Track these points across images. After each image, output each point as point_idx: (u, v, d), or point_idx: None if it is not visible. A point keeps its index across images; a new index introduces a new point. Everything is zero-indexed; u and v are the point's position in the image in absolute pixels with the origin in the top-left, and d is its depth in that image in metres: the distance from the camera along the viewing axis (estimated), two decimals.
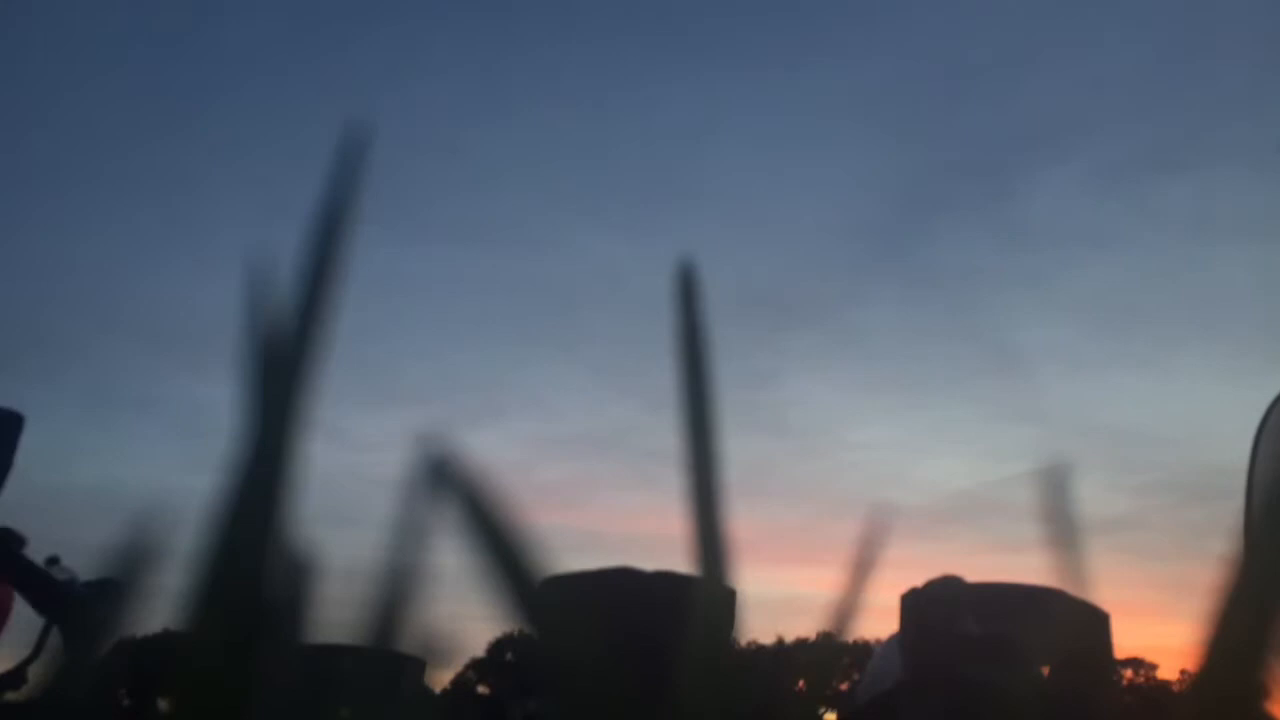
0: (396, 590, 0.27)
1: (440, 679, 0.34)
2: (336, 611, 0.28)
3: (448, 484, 0.26)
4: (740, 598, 0.31)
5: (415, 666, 0.30)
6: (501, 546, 0.25)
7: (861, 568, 0.31)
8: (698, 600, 0.27)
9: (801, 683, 0.34)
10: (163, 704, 0.24)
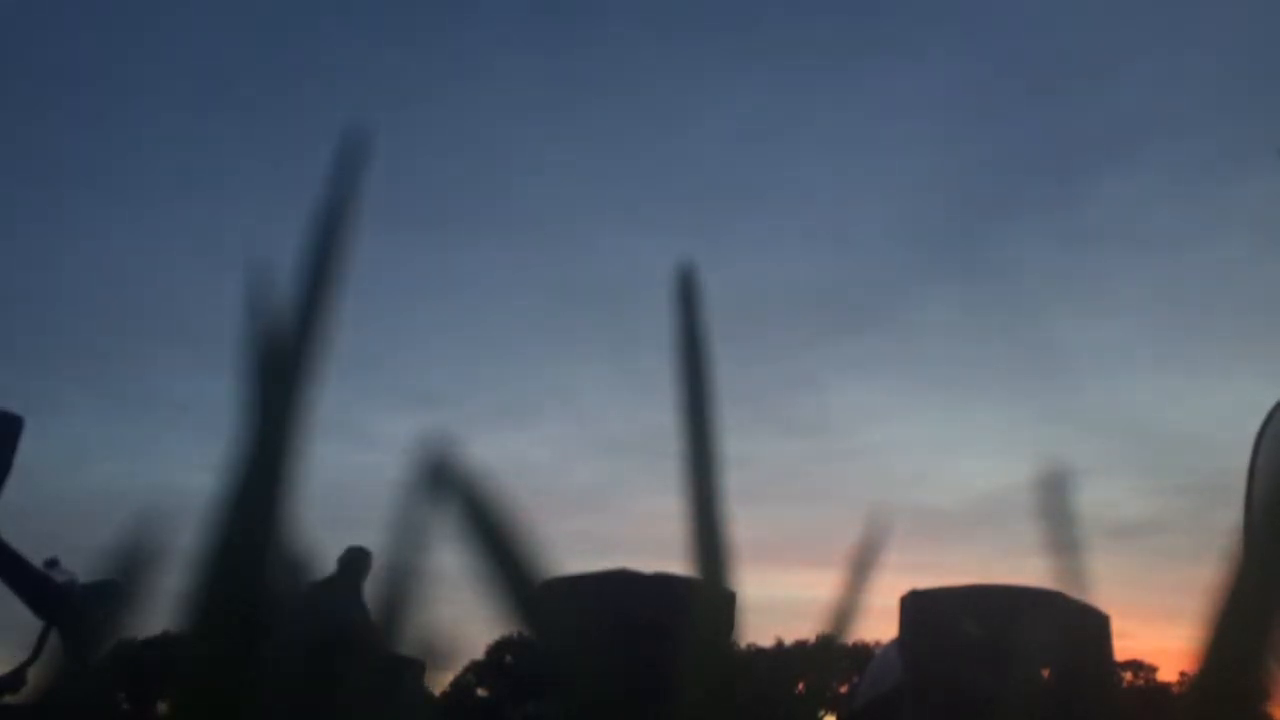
0: (396, 592, 0.27)
1: (439, 681, 0.34)
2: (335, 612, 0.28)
3: (447, 485, 0.26)
4: (740, 600, 0.31)
5: (414, 669, 0.30)
6: (501, 549, 0.25)
7: (861, 569, 0.31)
8: (697, 603, 0.27)
9: (801, 685, 0.33)
10: (162, 706, 0.24)
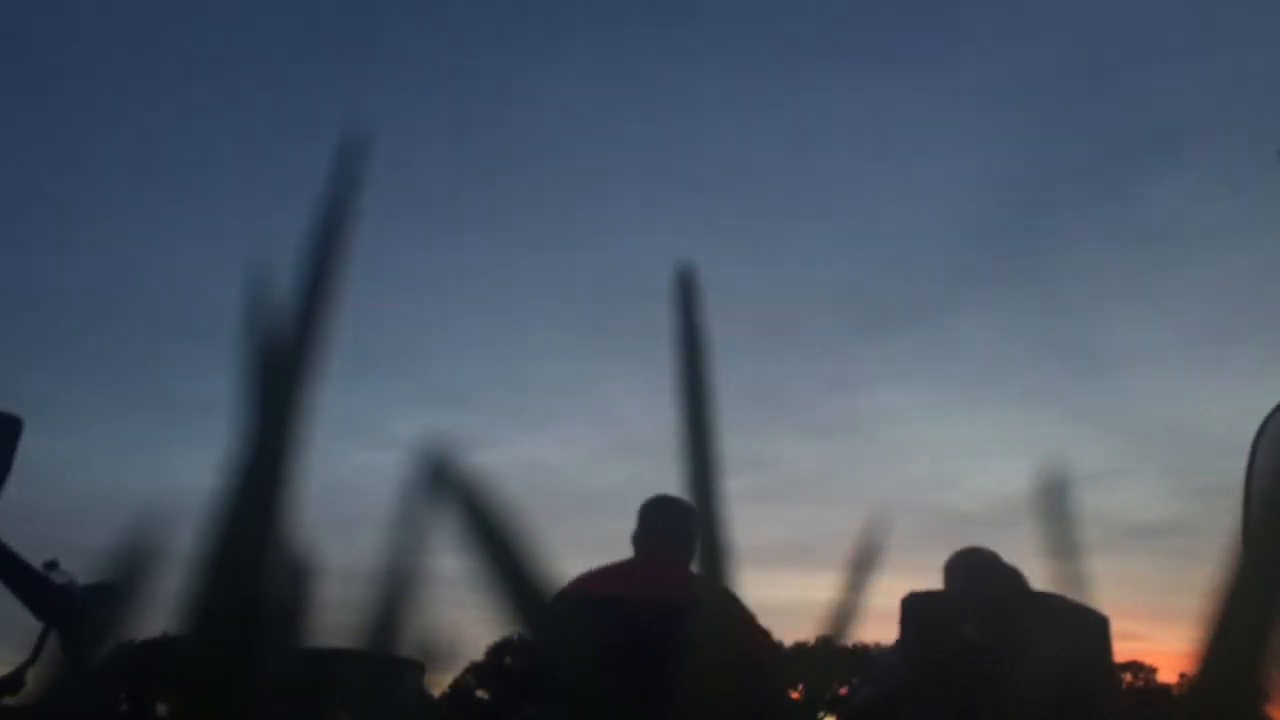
0: (395, 593, 0.27)
1: (439, 683, 0.34)
2: (335, 615, 0.28)
3: (448, 487, 0.26)
4: (741, 602, 0.31)
5: (414, 670, 0.30)
6: (501, 551, 0.25)
7: (860, 570, 0.31)
8: (697, 605, 0.27)
9: (801, 686, 0.33)
10: (161, 708, 0.24)
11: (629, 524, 2.82)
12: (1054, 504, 0.31)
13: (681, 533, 2.70)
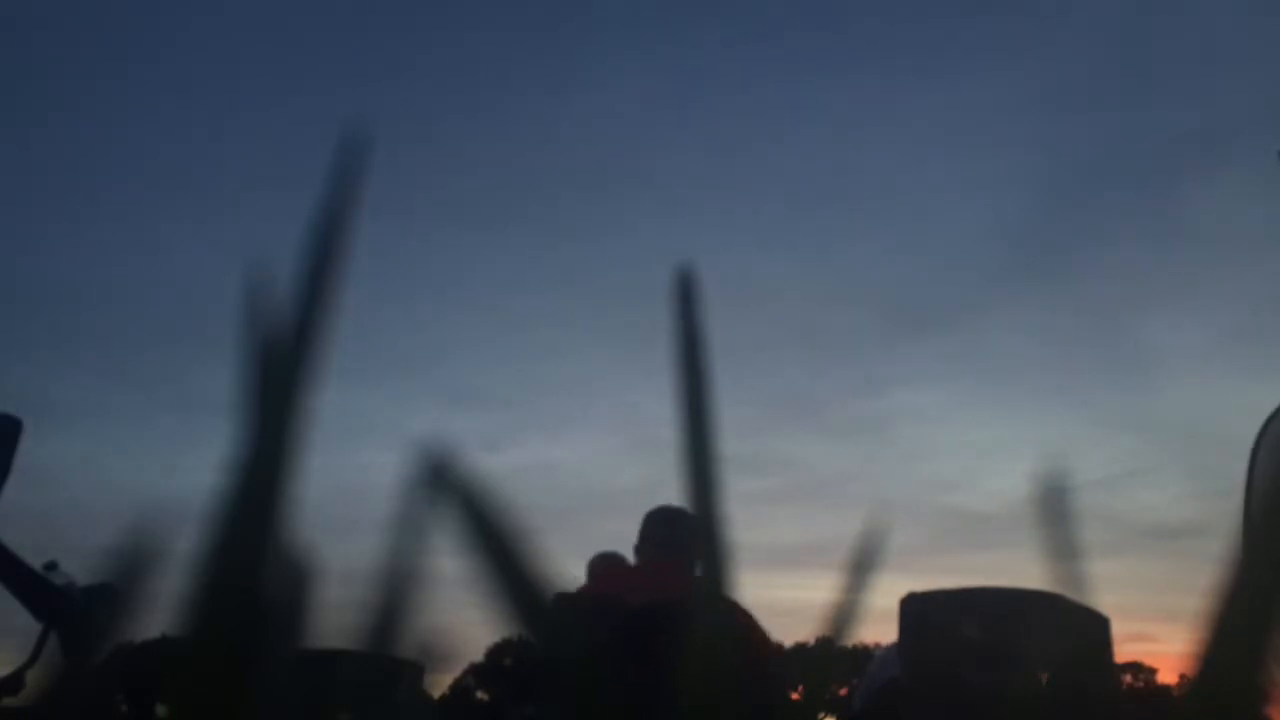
0: (395, 595, 0.27)
1: (439, 684, 0.34)
2: (335, 616, 0.28)
3: (447, 488, 0.26)
4: (740, 604, 0.31)
5: (413, 671, 0.30)
6: (500, 552, 0.25)
7: (860, 570, 0.31)
8: (697, 607, 0.27)
9: (800, 687, 0.33)
10: (161, 710, 0.24)
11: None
12: (1054, 505, 0.31)
13: (682, 544, 2.70)
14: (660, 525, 2.80)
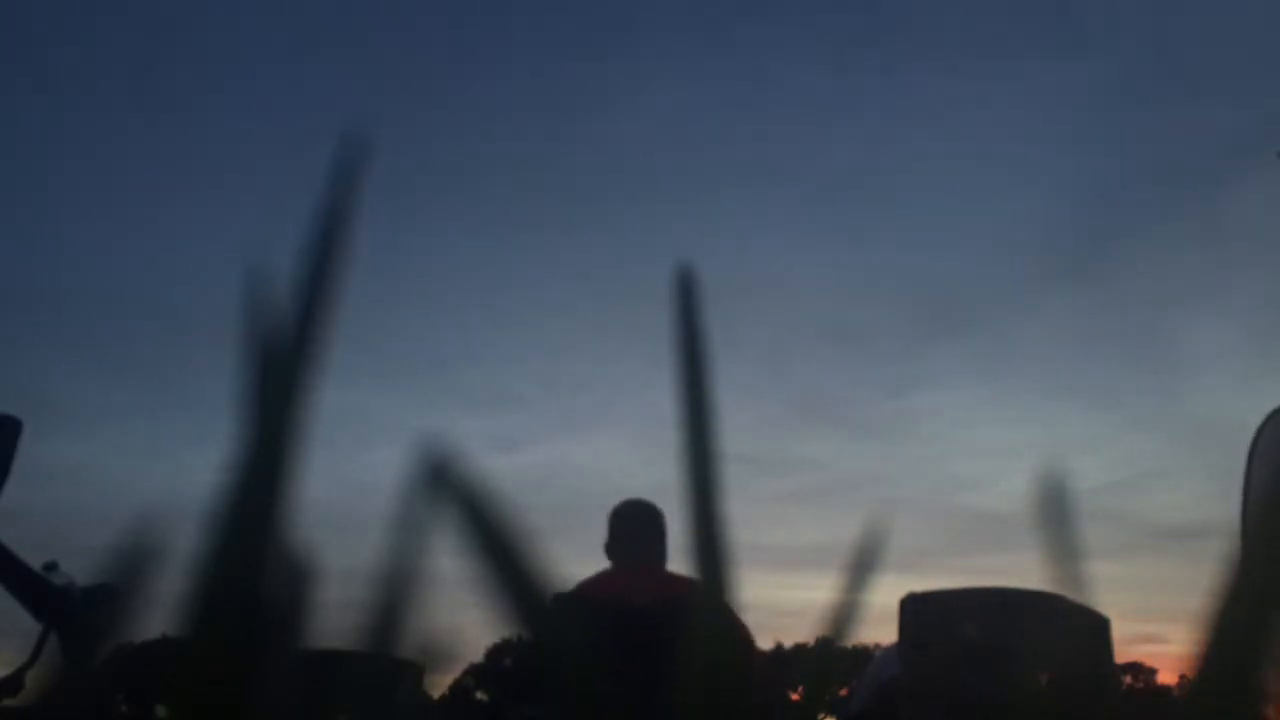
0: (394, 595, 0.27)
1: (439, 684, 0.34)
2: (335, 616, 0.28)
3: (447, 488, 0.26)
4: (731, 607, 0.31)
5: (413, 672, 0.30)
6: (500, 552, 0.25)
7: (860, 571, 0.31)
8: (697, 608, 0.27)
9: (800, 688, 0.33)
10: (161, 710, 0.24)
11: (673, 525, 2.82)
12: (1054, 506, 0.31)
13: (651, 536, 2.70)
14: (625, 519, 2.78)
